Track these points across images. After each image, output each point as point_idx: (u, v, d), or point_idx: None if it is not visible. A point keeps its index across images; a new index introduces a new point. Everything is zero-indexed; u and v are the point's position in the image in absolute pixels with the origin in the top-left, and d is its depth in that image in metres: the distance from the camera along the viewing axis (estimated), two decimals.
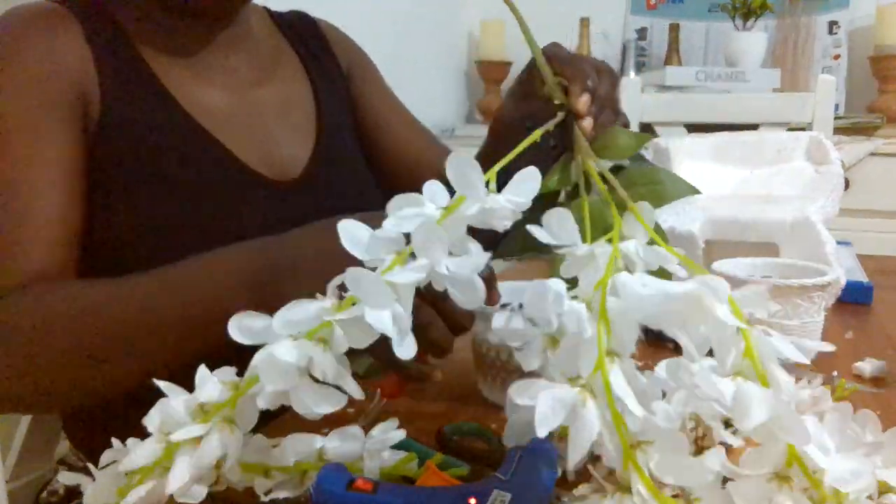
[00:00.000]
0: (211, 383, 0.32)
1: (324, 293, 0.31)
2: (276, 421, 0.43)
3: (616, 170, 0.40)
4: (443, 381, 0.41)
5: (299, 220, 0.45)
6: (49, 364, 0.44)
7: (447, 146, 0.78)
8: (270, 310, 0.35)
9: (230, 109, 0.59)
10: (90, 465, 0.39)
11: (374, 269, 0.30)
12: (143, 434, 0.65)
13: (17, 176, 0.49)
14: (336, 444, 0.36)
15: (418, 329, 0.32)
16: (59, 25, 0.52)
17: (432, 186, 0.32)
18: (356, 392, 0.31)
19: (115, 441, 0.37)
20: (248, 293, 0.41)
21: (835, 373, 0.52)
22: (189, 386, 0.34)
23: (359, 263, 0.31)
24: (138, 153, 0.53)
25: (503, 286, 0.49)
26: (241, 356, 0.35)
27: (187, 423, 0.31)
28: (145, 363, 0.44)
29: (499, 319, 0.34)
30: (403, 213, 0.31)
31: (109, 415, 0.58)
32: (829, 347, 0.29)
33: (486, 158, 0.46)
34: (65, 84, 0.51)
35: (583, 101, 0.43)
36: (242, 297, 0.41)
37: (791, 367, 0.28)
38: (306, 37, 0.70)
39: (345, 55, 0.72)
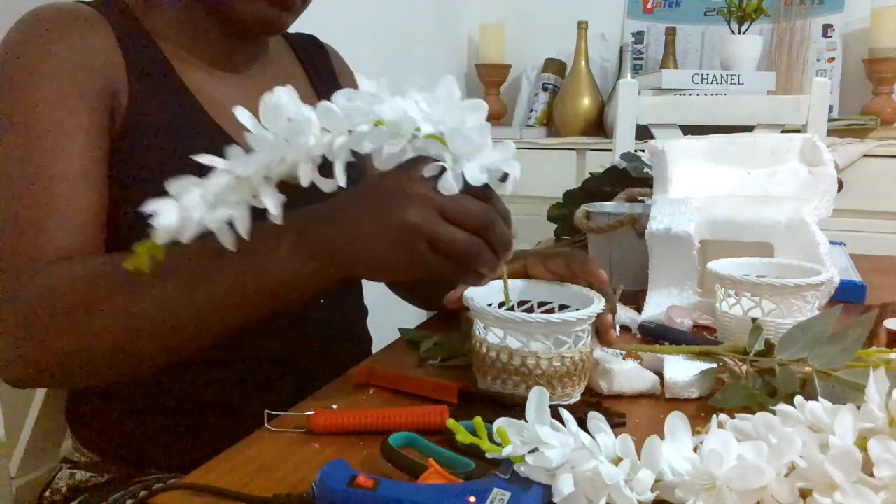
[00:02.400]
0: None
1: (376, 251, 0.42)
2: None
3: None
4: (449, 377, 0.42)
5: None
6: (101, 328, 0.45)
7: None
8: (329, 269, 0.43)
9: None
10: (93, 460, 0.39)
11: None
12: (145, 430, 0.66)
13: (48, 162, 0.50)
14: None
15: (470, 258, 0.41)
16: (91, 24, 0.54)
17: None
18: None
19: None
20: (310, 260, 0.43)
21: None
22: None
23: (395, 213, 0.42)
24: (162, 153, 0.54)
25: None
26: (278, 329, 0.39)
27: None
28: (198, 330, 0.46)
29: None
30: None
31: (114, 409, 0.59)
32: None
33: None
34: (96, 78, 0.52)
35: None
36: (305, 263, 0.43)
37: None
38: (315, 58, 0.72)
39: (344, 80, 0.74)
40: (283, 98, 0.40)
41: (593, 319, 0.47)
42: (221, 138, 0.57)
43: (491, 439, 0.35)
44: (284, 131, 0.40)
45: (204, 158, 0.40)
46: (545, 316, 0.45)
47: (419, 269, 0.42)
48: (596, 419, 0.35)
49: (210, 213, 0.40)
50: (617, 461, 0.33)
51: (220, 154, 0.58)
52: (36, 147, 0.50)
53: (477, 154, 0.42)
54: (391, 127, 0.41)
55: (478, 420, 0.36)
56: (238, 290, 0.44)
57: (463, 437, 0.36)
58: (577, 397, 0.47)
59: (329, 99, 0.71)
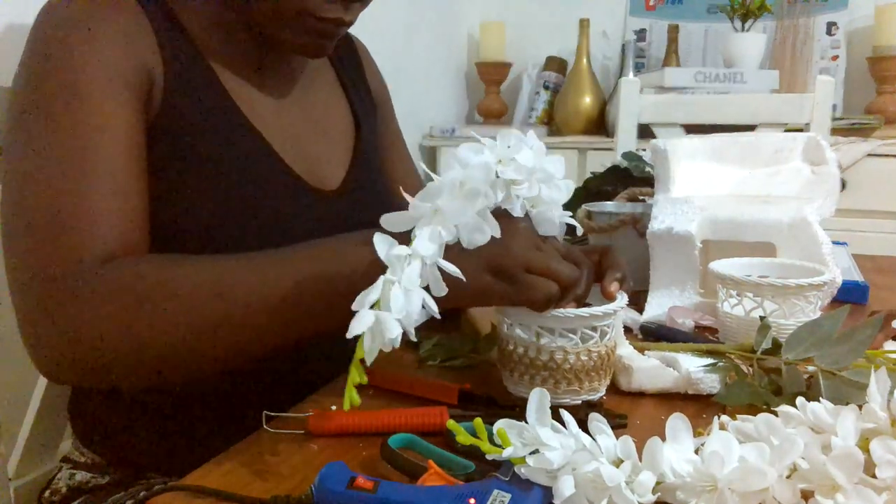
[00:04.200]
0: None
1: (472, 288, 0.44)
2: (296, 407, 0.44)
3: None
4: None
5: (339, 228, 0.48)
6: (168, 330, 0.44)
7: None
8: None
9: (280, 118, 0.60)
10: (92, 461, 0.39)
11: None
12: (146, 430, 0.66)
13: (93, 158, 0.48)
14: None
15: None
16: (128, 12, 0.53)
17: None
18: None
19: None
20: (364, 280, 0.41)
21: None
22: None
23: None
24: (194, 146, 0.53)
25: None
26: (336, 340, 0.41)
27: None
28: (273, 336, 0.46)
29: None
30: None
31: (114, 408, 0.59)
32: None
33: None
34: (133, 63, 0.51)
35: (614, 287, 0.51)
36: (368, 266, 0.43)
37: None
38: (343, 53, 0.71)
39: (374, 83, 0.74)
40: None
41: (618, 313, 0.48)
42: (255, 141, 0.56)
43: (491, 441, 0.35)
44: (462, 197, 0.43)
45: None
46: (573, 311, 0.45)
47: (493, 296, 0.45)
48: (597, 420, 0.34)
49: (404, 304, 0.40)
50: (618, 463, 0.33)
51: (250, 152, 0.57)
52: (79, 143, 0.48)
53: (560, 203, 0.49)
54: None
55: (478, 421, 0.36)
56: (316, 292, 0.45)
57: (463, 438, 0.36)
58: (602, 392, 0.48)
59: (358, 100, 0.72)
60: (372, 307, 0.39)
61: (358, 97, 0.69)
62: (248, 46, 0.58)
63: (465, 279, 0.42)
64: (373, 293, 0.39)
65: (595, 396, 0.47)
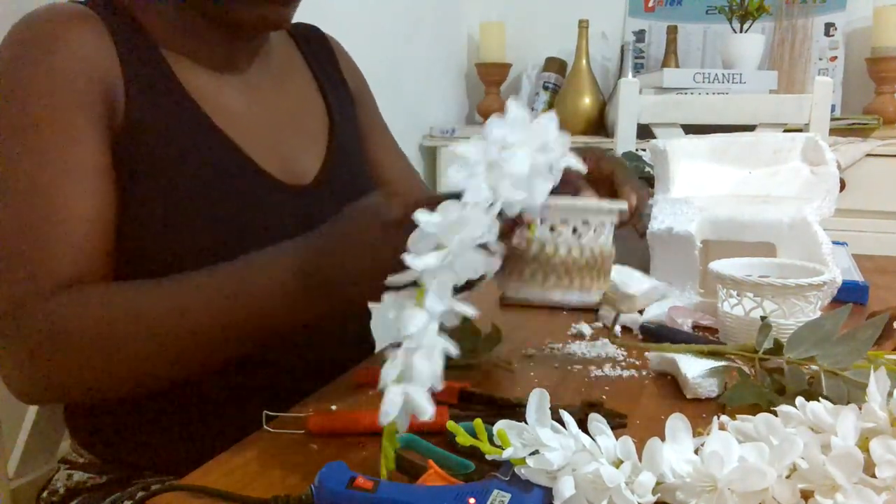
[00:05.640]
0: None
1: (367, 274, 0.40)
2: (299, 405, 0.44)
3: None
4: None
5: (313, 223, 0.46)
6: (99, 364, 0.47)
7: (422, 181, 0.82)
8: (320, 295, 0.43)
9: (248, 114, 0.60)
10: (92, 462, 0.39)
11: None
12: (145, 430, 0.66)
13: (49, 178, 0.49)
14: None
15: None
16: (87, 26, 0.53)
17: None
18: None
19: None
20: (296, 282, 0.44)
21: None
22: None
23: (392, 248, 0.37)
24: (160, 154, 0.53)
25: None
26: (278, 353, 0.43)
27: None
28: (190, 362, 0.48)
29: None
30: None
31: (113, 411, 0.58)
32: None
33: None
34: (93, 84, 0.51)
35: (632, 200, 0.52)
36: (291, 286, 0.44)
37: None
38: (317, 50, 0.71)
39: (352, 78, 0.73)
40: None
41: (615, 214, 0.47)
42: (221, 141, 0.56)
43: (491, 441, 0.35)
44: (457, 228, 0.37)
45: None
46: (566, 199, 0.45)
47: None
48: (596, 421, 0.34)
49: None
50: (618, 463, 0.33)
51: (215, 152, 0.58)
52: (37, 166, 0.49)
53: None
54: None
55: (478, 422, 0.36)
56: (235, 314, 0.45)
57: (463, 439, 0.35)
58: (595, 298, 0.47)
59: (333, 94, 0.71)
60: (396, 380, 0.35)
61: (333, 91, 0.68)
62: (212, 43, 0.58)
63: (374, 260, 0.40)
64: (394, 368, 0.35)
65: (588, 298, 0.46)
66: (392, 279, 0.36)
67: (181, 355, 0.47)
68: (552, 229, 0.45)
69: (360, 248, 0.42)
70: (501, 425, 0.35)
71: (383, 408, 0.34)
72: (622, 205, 0.47)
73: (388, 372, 0.35)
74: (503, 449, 0.34)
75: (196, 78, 0.57)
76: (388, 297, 0.36)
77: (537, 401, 0.35)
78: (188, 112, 0.55)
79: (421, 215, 0.35)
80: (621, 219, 0.49)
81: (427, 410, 0.34)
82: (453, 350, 0.36)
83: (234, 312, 0.45)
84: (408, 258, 0.35)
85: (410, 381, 0.35)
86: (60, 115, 0.50)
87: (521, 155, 0.39)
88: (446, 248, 0.36)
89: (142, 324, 0.46)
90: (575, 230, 0.45)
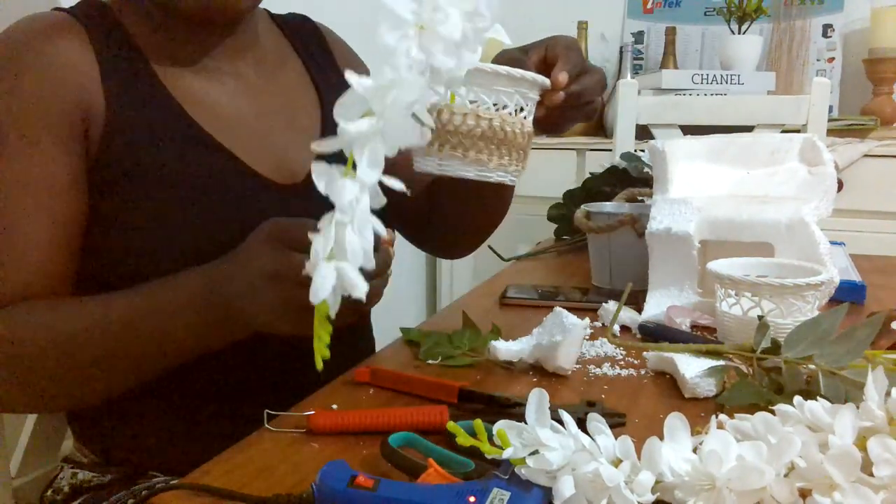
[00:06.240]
0: None
1: (268, 306, 0.43)
2: (299, 405, 0.44)
3: None
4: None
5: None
6: (27, 380, 0.50)
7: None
8: (219, 326, 0.47)
9: (237, 114, 0.59)
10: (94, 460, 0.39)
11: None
12: (147, 429, 0.66)
13: (9, 198, 0.50)
14: None
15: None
16: (65, 37, 0.52)
17: None
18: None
19: None
20: (197, 315, 0.47)
21: None
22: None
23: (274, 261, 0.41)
24: (144, 159, 0.53)
25: None
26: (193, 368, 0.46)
27: None
28: (111, 381, 0.51)
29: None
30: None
31: (114, 408, 0.59)
32: None
33: None
34: (66, 103, 0.51)
35: (561, 77, 0.49)
36: (191, 318, 0.47)
37: None
38: (308, 40, 0.70)
39: (343, 59, 0.72)
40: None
41: (536, 89, 0.46)
42: (206, 143, 0.56)
43: (491, 441, 0.35)
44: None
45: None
46: (488, 65, 0.43)
47: (297, 313, 0.43)
48: (595, 420, 0.35)
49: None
50: (617, 463, 0.33)
51: (199, 155, 0.57)
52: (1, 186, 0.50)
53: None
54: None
55: (478, 423, 0.36)
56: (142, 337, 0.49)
57: (463, 440, 0.36)
58: (513, 178, 0.47)
59: (326, 85, 0.70)
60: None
61: (327, 82, 0.67)
62: (191, 41, 0.57)
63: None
64: (325, 242, 0.32)
65: (505, 177, 0.46)
66: (319, 144, 0.32)
67: (93, 371, 0.49)
68: (472, 102, 0.44)
69: (249, 264, 0.45)
70: (501, 425, 0.35)
71: (313, 287, 0.31)
72: (544, 80, 0.46)
73: (319, 248, 0.32)
74: (503, 449, 0.34)
75: (181, 81, 0.57)
76: (316, 165, 0.32)
77: (537, 400, 0.35)
78: (170, 116, 0.55)
79: (350, 76, 0.32)
80: (548, 98, 0.48)
81: (360, 287, 0.31)
82: (382, 229, 0.34)
83: (140, 333, 0.48)
84: (339, 123, 0.32)
85: (343, 258, 0.31)
86: (25, 135, 0.51)
87: (454, 18, 0.33)
88: (377, 115, 0.32)
89: (56, 341, 0.48)
90: (495, 106, 0.44)
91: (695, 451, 0.34)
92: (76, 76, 0.52)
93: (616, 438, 0.34)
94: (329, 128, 0.66)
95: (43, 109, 0.51)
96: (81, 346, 0.48)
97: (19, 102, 0.50)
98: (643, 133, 1.29)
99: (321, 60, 0.69)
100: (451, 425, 0.36)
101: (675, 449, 0.34)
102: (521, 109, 0.46)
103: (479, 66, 0.42)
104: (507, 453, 0.34)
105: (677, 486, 0.32)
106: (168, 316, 0.47)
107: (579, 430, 0.34)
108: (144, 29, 0.56)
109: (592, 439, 0.34)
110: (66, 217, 0.52)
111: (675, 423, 0.34)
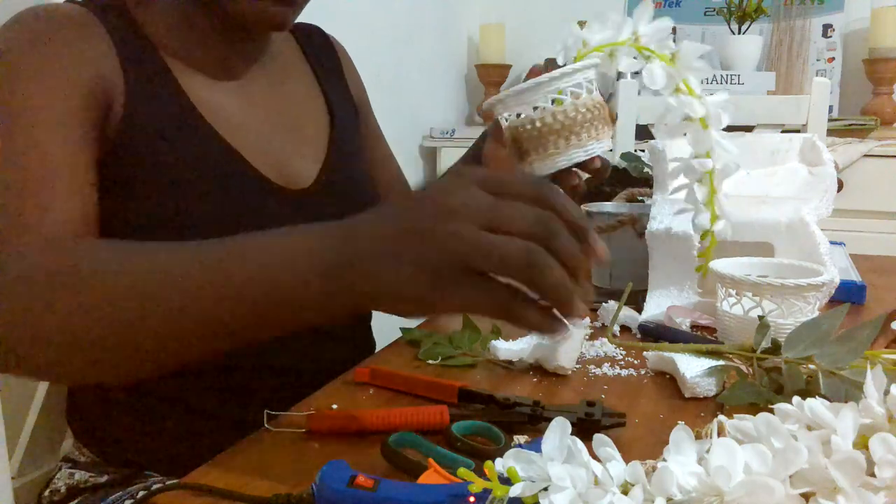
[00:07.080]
0: None
1: (401, 275, 0.33)
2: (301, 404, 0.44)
3: None
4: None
5: None
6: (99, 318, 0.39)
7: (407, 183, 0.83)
8: (343, 296, 0.34)
9: (247, 119, 0.59)
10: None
11: None
12: (146, 429, 0.66)
13: (35, 158, 0.48)
14: None
15: (534, 274, 0.30)
16: (86, 29, 0.52)
17: None
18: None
19: None
20: (320, 279, 0.35)
21: None
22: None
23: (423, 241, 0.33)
24: (157, 157, 0.53)
25: None
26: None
27: None
28: (191, 340, 0.39)
29: None
30: None
31: (115, 410, 0.59)
32: None
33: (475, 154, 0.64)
34: (89, 89, 0.51)
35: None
36: (314, 283, 0.36)
37: None
38: (321, 52, 0.71)
39: (355, 86, 0.73)
40: None
41: (591, 69, 0.55)
42: (218, 145, 0.56)
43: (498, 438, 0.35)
44: None
45: None
46: (535, 80, 0.53)
47: (452, 298, 0.33)
48: (604, 445, 0.33)
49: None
50: (626, 487, 0.33)
51: (211, 156, 0.56)
52: (21, 146, 0.48)
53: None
54: None
55: (489, 464, 0.31)
56: (240, 301, 0.37)
57: (465, 474, 0.30)
58: (609, 144, 0.56)
59: (336, 97, 0.71)
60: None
61: (335, 94, 0.68)
62: (211, 46, 0.58)
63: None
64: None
65: (604, 146, 0.55)
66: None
67: (178, 325, 0.39)
68: (535, 109, 0.53)
69: (392, 228, 0.34)
70: (510, 457, 0.32)
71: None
72: (594, 60, 0.55)
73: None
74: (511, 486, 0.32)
75: (195, 82, 0.57)
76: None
77: (559, 431, 0.32)
78: (184, 115, 0.55)
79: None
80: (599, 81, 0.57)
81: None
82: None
83: (247, 288, 0.37)
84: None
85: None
86: (47, 101, 0.49)
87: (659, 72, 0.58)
88: None
89: (121, 288, 0.39)
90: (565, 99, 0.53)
91: (699, 461, 0.33)
92: (99, 65, 0.52)
93: (617, 440, 0.34)
94: (338, 136, 0.66)
95: (67, 96, 0.50)
96: (172, 286, 0.38)
97: (44, 88, 0.49)
98: (643, 133, 1.29)
99: (332, 74, 0.70)
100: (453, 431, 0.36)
101: (681, 462, 0.33)
102: (589, 91, 0.55)
103: (547, 76, 0.53)
104: (514, 491, 0.32)
105: (685, 503, 0.32)
106: (279, 267, 0.36)
107: (590, 458, 0.32)
108: (160, 27, 0.56)
109: (602, 465, 0.32)
110: (88, 183, 0.50)
111: (681, 435, 0.33)
